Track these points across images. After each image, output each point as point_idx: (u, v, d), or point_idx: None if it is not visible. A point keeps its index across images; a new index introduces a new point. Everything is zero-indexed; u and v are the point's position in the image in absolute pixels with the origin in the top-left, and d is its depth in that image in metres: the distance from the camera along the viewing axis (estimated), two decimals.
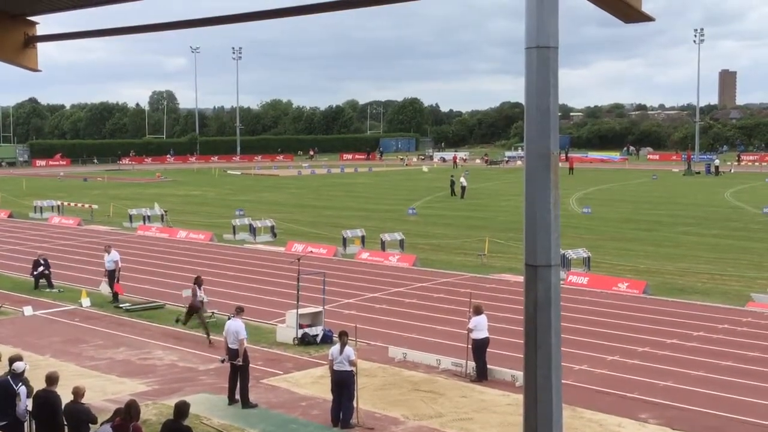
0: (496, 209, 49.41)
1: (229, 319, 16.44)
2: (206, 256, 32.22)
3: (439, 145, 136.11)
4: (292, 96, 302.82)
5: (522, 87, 5.29)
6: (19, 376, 11.96)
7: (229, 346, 15.50)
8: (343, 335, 14.47)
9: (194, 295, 20.43)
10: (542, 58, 5.18)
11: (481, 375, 16.61)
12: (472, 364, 16.82)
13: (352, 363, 14.24)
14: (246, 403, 15.05)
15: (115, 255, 24.76)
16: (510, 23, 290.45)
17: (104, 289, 24.78)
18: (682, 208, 49.03)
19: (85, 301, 23.56)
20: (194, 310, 20.35)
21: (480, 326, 16.81)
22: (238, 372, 15.27)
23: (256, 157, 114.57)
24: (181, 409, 11.06)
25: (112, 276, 24.45)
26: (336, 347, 14.45)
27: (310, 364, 17.68)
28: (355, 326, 15.77)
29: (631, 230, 39.43)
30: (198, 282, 20.79)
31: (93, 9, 8.66)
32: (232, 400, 15.18)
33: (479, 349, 16.66)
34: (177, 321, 21.24)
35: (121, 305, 23.31)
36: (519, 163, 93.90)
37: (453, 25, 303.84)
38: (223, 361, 15.88)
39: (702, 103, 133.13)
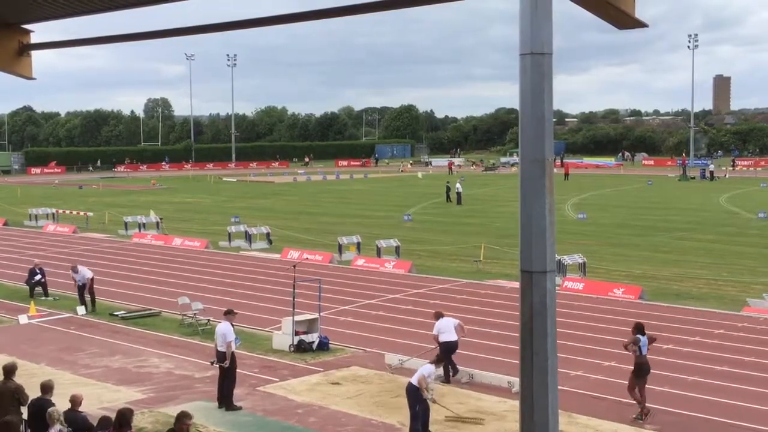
0: (491, 215, 49.44)
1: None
2: (202, 264, 32.16)
3: (454, 151, 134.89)
4: (288, 103, 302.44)
5: (518, 93, 5.30)
6: None
7: (218, 349, 15.64)
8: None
9: None
10: (536, 65, 5.20)
11: (446, 378, 16.65)
12: (468, 371, 16.84)
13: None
14: (229, 406, 15.14)
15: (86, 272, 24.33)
16: (511, 29, 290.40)
17: (80, 310, 23.64)
18: (677, 214, 49.10)
19: (81, 309, 23.50)
20: None
21: (444, 329, 16.87)
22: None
23: (251, 164, 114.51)
24: (178, 416, 10.97)
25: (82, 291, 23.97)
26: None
27: (306, 372, 17.65)
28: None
29: (626, 236, 39.47)
30: None
31: (88, 16, 8.66)
32: (221, 403, 15.29)
33: (447, 352, 16.61)
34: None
35: (116, 313, 23.26)
36: (513, 169, 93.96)
37: (454, 30, 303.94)
38: (212, 363, 16.02)
39: (697, 109, 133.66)
